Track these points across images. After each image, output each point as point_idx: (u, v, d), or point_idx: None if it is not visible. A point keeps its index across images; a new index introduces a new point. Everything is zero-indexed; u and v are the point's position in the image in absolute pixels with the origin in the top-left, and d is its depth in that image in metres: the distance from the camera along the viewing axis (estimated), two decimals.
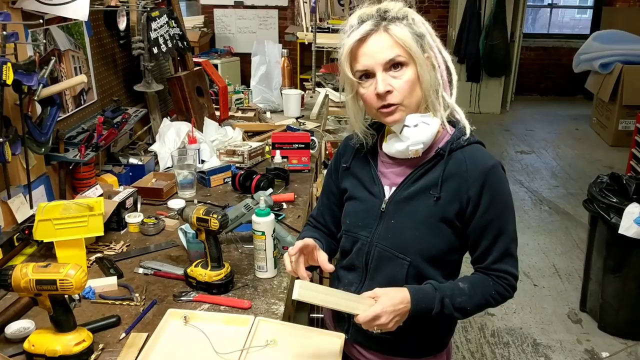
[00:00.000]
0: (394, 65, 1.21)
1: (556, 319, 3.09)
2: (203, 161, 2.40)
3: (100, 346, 1.27)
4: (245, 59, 6.93)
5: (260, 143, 2.52)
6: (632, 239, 2.64)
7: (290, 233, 1.80)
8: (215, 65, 6.19)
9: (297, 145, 2.35)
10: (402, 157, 1.29)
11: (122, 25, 2.21)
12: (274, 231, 1.57)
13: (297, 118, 3.17)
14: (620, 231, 2.64)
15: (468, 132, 1.27)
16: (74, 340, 1.21)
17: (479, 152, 1.27)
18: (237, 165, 2.37)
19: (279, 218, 1.91)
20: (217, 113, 2.84)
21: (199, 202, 2.06)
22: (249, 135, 2.79)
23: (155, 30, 2.26)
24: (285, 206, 2.04)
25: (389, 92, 1.22)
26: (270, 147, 2.43)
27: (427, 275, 1.30)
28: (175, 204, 2.01)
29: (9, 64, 1.42)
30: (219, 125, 2.73)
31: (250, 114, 3.05)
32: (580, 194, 4.74)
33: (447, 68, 1.27)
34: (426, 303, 1.22)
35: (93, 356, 1.24)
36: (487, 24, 7.05)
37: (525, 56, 8.11)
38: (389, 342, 1.33)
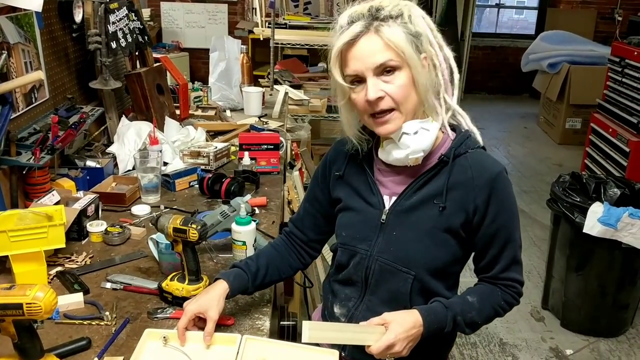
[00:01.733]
0: (386, 69, 1.13)
1: (520, 318, 3.11)
2: (165, 163, 2.27)
3: None
4: (194, 54, 6.74)
5: (226, 144, 2.40)
6: (595, 238, 2.68)
7: (266, 240, 1.70)
8: None
9: (265, 147, 2.24)
10: (400, 165, 1.22)
11: (78, 17, 2.05)
12: (254, 240, 1.47)
13: (259, 117, 3.06)
14: (585, 230, 2.67)
15: (479, 138, 1.21)
16: None
17: (484, 158, 1.21)
18: (203, 167, 2.25)
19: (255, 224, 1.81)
20: (177, 112, 2.70)
21: (165, 207, 1.93)
22: (211, 135, 2.67)
23: (113, 23, 2.11)
24: (257, 211, 1.94)
25: (380, 98, 1.13)
26: (237, 148, 2.32)
27: (431, 288, 1.24)
28: (140, 210, 1.88)
29: None
30: (180, 124, 2.60)
31: (211, 113, 2.92)
32: (533, 191, 4.84)
33: (449, 67, 1.20)
34: (438, 324, 1.16)
35: None
36: (438, 22, 7.10)
37: (474, 55, 8.25)
38: None
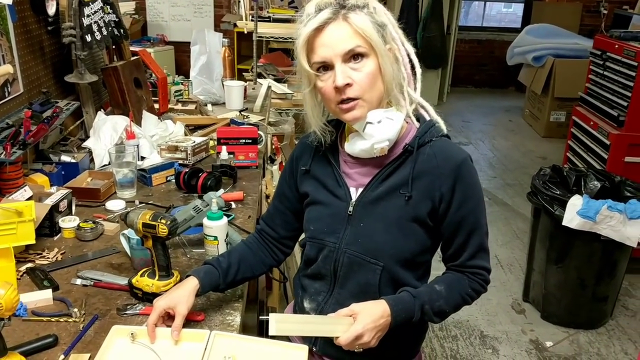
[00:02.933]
0: (353, 56, 1.13)
1: (501, 310, 3.13)
2: (143, 158, 2.25)
3: None
4: (179, 48, 6.68)
5: (204, 138, 2.38)
6: (574, 231, 2.69)
7: (242, 235, 1.70)
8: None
9: (243, 141, 2.23)
10: (367, 157, 1.22)
11: (51, 10, 2.02)
12: (227, 235, 1.47)
13: (240, 111, 3.04)
14: (564, 223, 2.68)
15: (443, 127, 1.21)
16: None
17: (448, 146, 1.21)
18: (180, 162, 2.24)
19: (230, 219, 1.80)
20: (156, 106, 2.68)
21: (140, 202, 1.92)
22: (191, 129, 2.65)
23: (88, 16, 2.08)
24: (234, 205, 1.93)
25: (348, 85, 1.13)
26: (215, 143, 2.30)
27: (400, 278, 1.24)
28: (114, 205, 1.86)
29: None
30: (159, 119, 2.58)
31: (191, 107, 2.90)
32: (517, 184, 4.86)
33: (411, 61, 1.20)
34: (406, 313, 1.17)
35: None
36: (425, 16, 7.10)
37: (460, 48, 8.26)
38: (361, 352, 1.26)
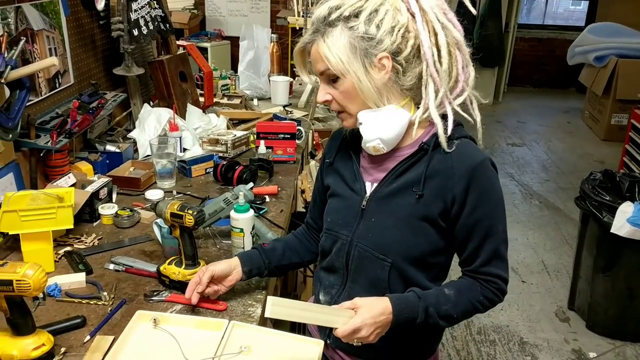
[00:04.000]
0: (329, 77, 1.18)
1: (544, 317, 3.04)
2: (185, 149, 2.31)
3: (62, 350, 1.19)
4: (235, 43, 6.77)
5: (245, 132, 2.42)
6: (623, 238, 2.58)
7: (272, 229, 1.72)
8: (205, 49, 6.06)
9: (282, 136, 2.26)
10: (371, 153, 1.24)
11: (100, 5, 2.10)
12: (253, 228, 1.49)
13: (284, 106, 3.07)
14: (613, 230, 2.58)
15: (450, 124, 1.18)
16: (32, 345, 1.13)
17: (466, 147, 1.18)
18: (220, 155, 2.28)
19: (261, 212, 1.83)
20: (202, 99, 2.74)
21: (178, 193, 1.97)
22: (234, 123, 2.70)
23: (135, 11, 2.15)
24: (267, 199, 1.96)
25: (328, 101, 1.20)
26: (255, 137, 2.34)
27: (411, 277, 1.22)
28: (153, 194, 1.92)
29: None
30: (203, 112, 2.64)
31: (236, 101, 2.95)
32: (570, 188, 4.70)
33: (451, 51, 1.14)
34: (409, 313, 1.15)
35: None
36: (482, 14, 6.96)
37: (519, 47, 8.04)
38: (373, 348, 1.25)
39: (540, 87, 8.35)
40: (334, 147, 1.35)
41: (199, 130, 2.47)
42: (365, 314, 1.11)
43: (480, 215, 1.17)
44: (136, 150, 2.26)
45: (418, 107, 1.19)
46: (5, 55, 1.58)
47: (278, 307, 1.08)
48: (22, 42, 1.62)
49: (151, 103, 2.52)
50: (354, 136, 1.28)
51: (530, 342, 2.83)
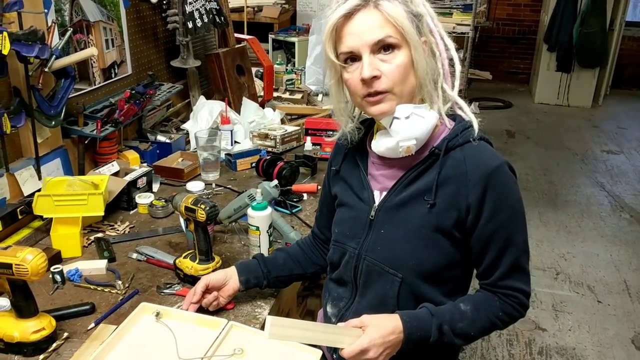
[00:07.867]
0: (384, 47, 1.04)
1: (617, 343, 2.77)
2: (237, 142, 2.31)
3: (65, 335, 1.21)
4: None
5: (296, 127, 2.39)
6: None
7: (300, 228, 1.67)
8: (292, 43, 6.09)
9: (331, 133, 2.20)
10: (392, 156, 1.12)
11: None
12: (270, 227, 1.45)
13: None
14: None
15: (476, 127, 1.08)
16: (33, 328, 1.16)
17: (481, 151, 1.07)
18: (269, 149, 2.27)
19: (294, 210, 1.79)
20: (261, 93, 2.74)
21: (218, 185, 1.98)
22: (293, 118, 2.67)
23: (190, 3, 2.18)
24: (305, 197, 1.91)
25: (376, 77, 1.04)
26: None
27: (422, 293, 1.13)
28: (194, 186, 1.92)
29: (4, 34, 1.37)
30: (263, 106, 2.63)
31: (298, 96, 2.92)
32: None
33: (451, 58, 1.08)
34: (421, 331, 1.06)
35: (54, 345, 1.18)
36: (584, 10, 6.48)
37: (626, 47, 7.42)
38: None
39: None
40: (340, 154, 1.27)
41: (254, 124, 2.46)
42: (373, 334, 1.04)
43: (498, 225, 1.06)
44: (188, 142, 2.29)
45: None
46: (51, 45, 1.64)
47: (278, 327, 1.01)
48: (68, 33, 1.68)
49: (213, 96, 2.55)
50: (360, 141, 1.20)
51: None
